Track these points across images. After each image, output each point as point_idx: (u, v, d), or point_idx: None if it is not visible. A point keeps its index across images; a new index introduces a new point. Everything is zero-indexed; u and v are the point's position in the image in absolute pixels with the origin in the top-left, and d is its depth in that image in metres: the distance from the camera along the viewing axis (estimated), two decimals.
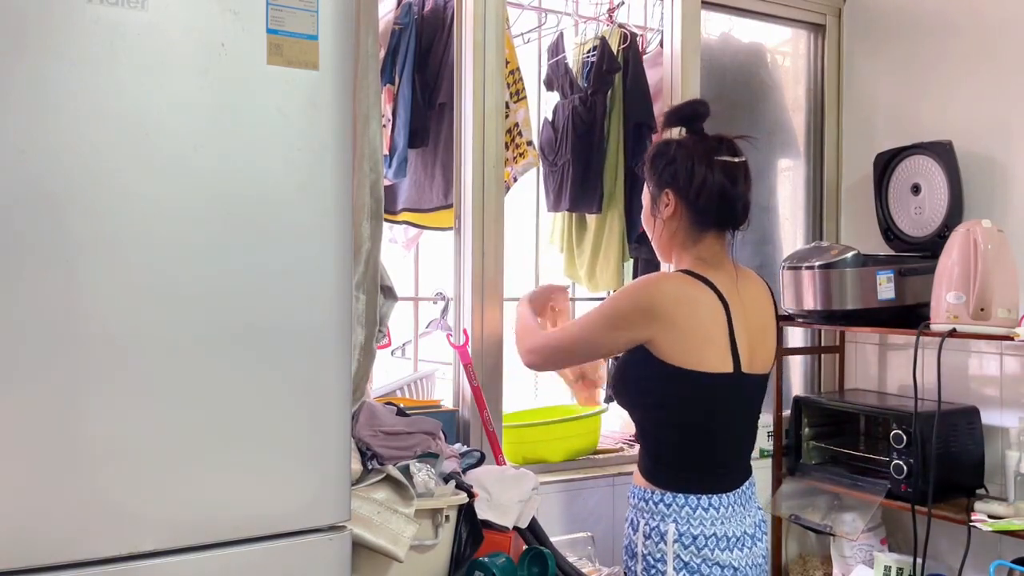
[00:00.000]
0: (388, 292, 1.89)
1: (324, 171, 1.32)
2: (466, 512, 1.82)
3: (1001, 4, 2.66)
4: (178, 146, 1.21)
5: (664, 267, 1.91)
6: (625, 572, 1.83)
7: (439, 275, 2.56)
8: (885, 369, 2.99)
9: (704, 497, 1.74)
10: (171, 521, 1.22)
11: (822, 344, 3.15)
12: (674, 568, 1.72)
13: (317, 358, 1.32)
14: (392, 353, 2.63)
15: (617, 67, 2.67)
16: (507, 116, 2.47)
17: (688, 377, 1.71)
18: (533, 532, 2.01)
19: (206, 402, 1.24)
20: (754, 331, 1.79)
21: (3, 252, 1.11)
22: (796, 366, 3.21)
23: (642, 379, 1.78)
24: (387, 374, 2.61)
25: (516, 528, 1.95)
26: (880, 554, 2.66)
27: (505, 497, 1.94)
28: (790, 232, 3.20)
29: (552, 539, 2.08)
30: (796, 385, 3.20)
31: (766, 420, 2.85)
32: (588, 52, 2.71)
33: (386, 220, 2.04)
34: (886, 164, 2.82)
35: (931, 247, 2.62)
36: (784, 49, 3.21)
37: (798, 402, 2.82)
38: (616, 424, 2.94)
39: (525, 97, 2.54)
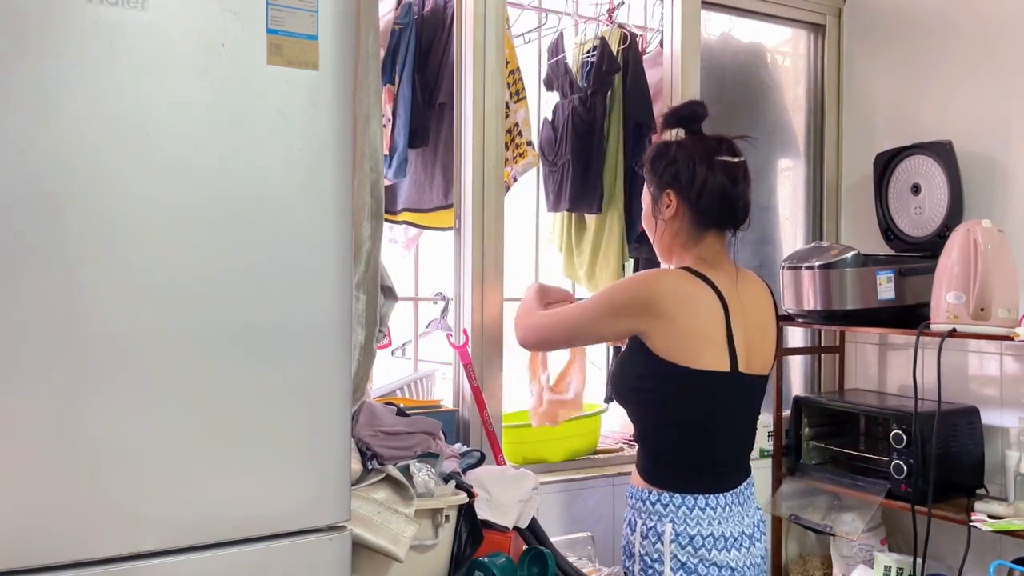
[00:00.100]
0: (388, 292, 1.89)
1: (324, 171, 1.32)
2: (466, 512, 1.82)
3: (1001, 4, 2.66)
4: (178, 146, 1.21)
5: (664, 267, 1.91)
6: (624, 572, 1.83)
7: (439, 275, 2.56)
8: (885, 369, 2.99)
9: (701, 497, 1.74)
10: (171, 521, 1.22)
11: (822, 344, 3.15)
12: (671, 568, 1.72)
13: (317, 358, 1.32)
14: (392, 353, 2.63)
15: (617, 67, 2.67)
16: (507, 116, 2.47)
17: (685, 375, 1.71)
18: (533, 532, 2.01)
19: (206, 402, 1.24)
20: (753, 331, 1.79)
21: (3, 252, 1.11)
22: (796, 366, 3.21)
23: (640, 377, 1.78)
24: (387, 374, 2.61)
25: (516, 528, 1.95)
26: (880, 554, 2.66)
27: (505, 497, 1.94)
28: (790, 232, 3.20)
29: (552, 539, 2.08)
30: (796, 385, 3.20)
31: (766, 420, 2.86)
32: (588, 52, 2.71)
33: (386, 220, 2.04)
34: (886, 164, 2.82)
35: (931, 247, 2.62)
36: (784, 49, 3.21)
37: (798, 402, 2.82)
38: (616, 424, 2.94)
39: (525, 97, 2.54)
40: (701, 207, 1.78)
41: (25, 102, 1.12)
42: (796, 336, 3.14)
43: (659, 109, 2.76)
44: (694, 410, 1.76)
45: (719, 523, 1.74)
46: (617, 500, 2.54)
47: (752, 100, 3.11)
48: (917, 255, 2.67)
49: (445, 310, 2.47)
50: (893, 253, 2.76)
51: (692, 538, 1.72)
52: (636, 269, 2.78)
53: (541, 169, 2.74)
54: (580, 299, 2.16)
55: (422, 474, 1.77)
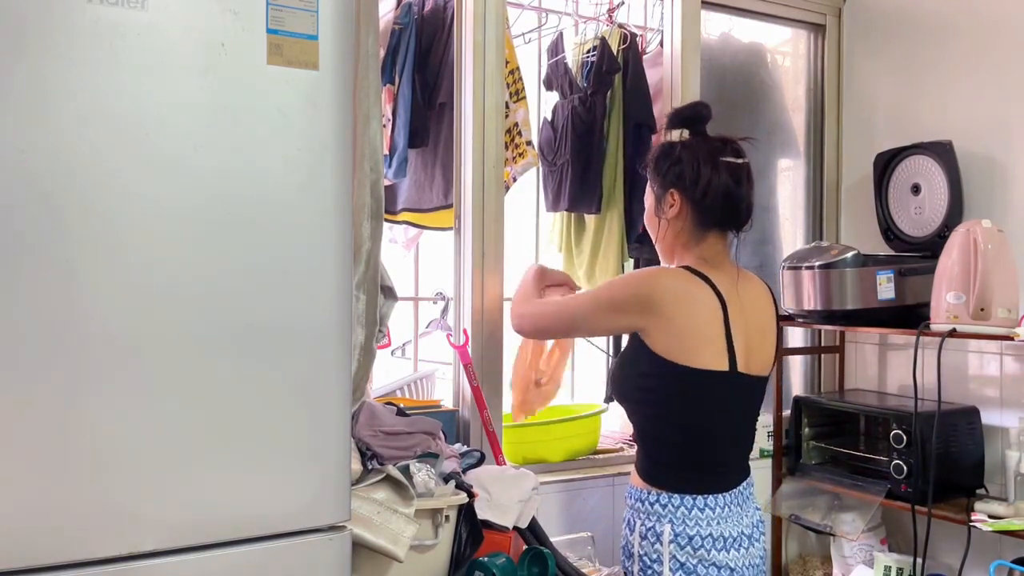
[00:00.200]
0: (388, 292, 1.89)
1: (324, 171, 1.32)
2: (466, 512, 1.82)
3: (1001, 4, 2.66)
4: (178, 146, 1.21)
5: (664, 265, 1.91)
6: (624, 572, 1.83)
7: (439, 275, 2.56)
8: (885, 369, 2.99)
9: (700, 497, 1.74)
10: (171, 521, 1.22)
11: (822, 344, 3.15)
12: (670, 569, 1.72)
13: (317, 358, 1.32)
14: (392, 353, 2.63)
15: (617, 67, 2.67)
16: (507, 116, 2.47)
17: (684, 374, 1.71)
18: (533, 532, 2.01)
19: (206, 402, 1.24)
20: (752, 332, 1.79)
21: (3, 252, 1.11)
22: (796, 366, 3.21)
23: (640, 376, 1.78)
24: (387, 374, 2.61)
25: (516, 528, 1.95)
26: (880, 554, 2.66)
27: (505, 497, 1.94)
28: (790, 232, 3.20)
29: (552, 539, 2.08)
30: (796, 385, 3.20)
31: (766, 420, 2.86)
32: (588, 52, 2.71)
33: (386, 220, 2.04)
34: (886, 164, 2.82)
35: (931, 247, 2.63)
36: (784, 49, 3.21)
37: (798, 402, 2.82)
38: (616, 424, 2.94)
39: (525, 97, 2.54)
40: (704, 207, 1.79)
41: (25, 102, 1.12)
42: (796, 336, 3.14)
43: (659, 109, 2.76)
44: (693, 410, 1.76)
45: (718, 523, 1.74)
46: (617, 500, 2.54)
47: (752, 100, 3.11)
48: (917, 255, 2.67)
49: (445, 310, 2.47)
50: (893, 253, 2.76)
51: (691, 538, 1.72)
52: (636, 269, 2.78)
53: (540, 169, 2.74)
54: (580, 289, 2.17)
55: (422, 474, 1.77)
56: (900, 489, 2.46)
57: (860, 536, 2.66)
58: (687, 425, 1.77)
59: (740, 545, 1.75)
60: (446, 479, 1.85)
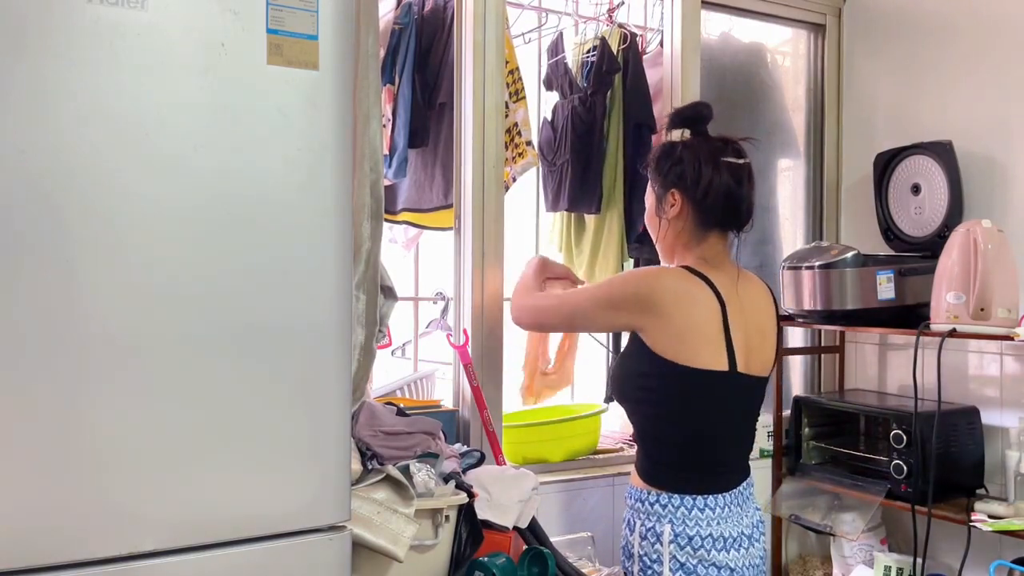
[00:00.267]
0: (388, 292, 1.89)
1: (324, 171, 1.32)
2: (466, 512, 1.82)
3: (1001, 4, 2.66)
4: (178, 146, 1.21)
5: (664, 265, 1.91)
6: (624, 572, 1.83)
7: (439, 275, 2.56)
8: (885, 369, 2.99)
9: (700, 498, 1.74)
10: (171, 521, 1.22)
11: (822, 344, 3.15)
12: (670, 569, 1.72)
13: (317, 358, 1.32)
14: (392, 353, 2.63)
15: (617, 67, 2.67)
16: (506, 116, 2.47)
17: (684, 373, 1.71)
18: (533, 532, 2.01)
19: (206, 402, 1.24)
20: (752, 332, 1.79)
21: (3, 252, 1.11)
22: (796, 366, 3.21)
23: (640, 375, 1.78)
24: (387, 374, 2.61)
25: (516, 528, 1.95)
26: (880, 554, 2.66)
27: (505, 497, 1.94)
28: (790, 232, 3.20)
29: (552, 539, 2.08)
30: (796, 385, 3.20)
31: (766, 420, 2.86)
32: (588, 52, 2.71)
33: (386, 220, 2.04)
34: (886, 164, 2.82)
35: (931, 247, 2.62)
36: (784, 49, 3.21)
37: (798, 402, 2.82)
38: (616, 424, 2.94)
39: (524, 97, 2.54)
40: (706, 207, 1.79)
41: (25, 102, 1.12)
42: (796, 336, 3.14)
43: (659, 109, 2.76)
44: (693, 410, 1.76)
45: (718, 523, 1.74)
46: (617, 500, 2.54)
47: (752, 100, 3.11)
48: (917, 255, 2.67)
49: (445, 310, 2.47)
50: (893, 253, 2.76)
51: (691, 539, 1.72)
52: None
53: (540, 169, 2.74)
54: (583, 282, 2.17)
55: (422, 474, 1.77)
56: (900, 489, 2.46)
57: (860, 536, 2.66)
58: (687, 425, 1.77)
59: (740, 545, 1.75)
60: (446, 479, 1.85)
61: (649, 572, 1.74)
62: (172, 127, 1.21)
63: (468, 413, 2.39)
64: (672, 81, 2.81)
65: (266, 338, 1.28)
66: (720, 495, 1.76)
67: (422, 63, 2.41)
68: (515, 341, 2.61)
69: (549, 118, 2.74)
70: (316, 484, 1.33)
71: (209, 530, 1.25)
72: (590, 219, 2.76)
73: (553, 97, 2.78)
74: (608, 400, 2.73)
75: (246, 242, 1.27)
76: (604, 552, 2.42)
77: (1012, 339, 2.30)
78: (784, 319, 2.65)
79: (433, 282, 2.58)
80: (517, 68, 2.53)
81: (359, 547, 1.57)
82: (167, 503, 1.21)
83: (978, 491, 2.52)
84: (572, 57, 2.75)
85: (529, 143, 2.52)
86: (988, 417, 2.59)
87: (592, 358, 2.88)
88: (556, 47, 2.74)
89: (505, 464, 2.28)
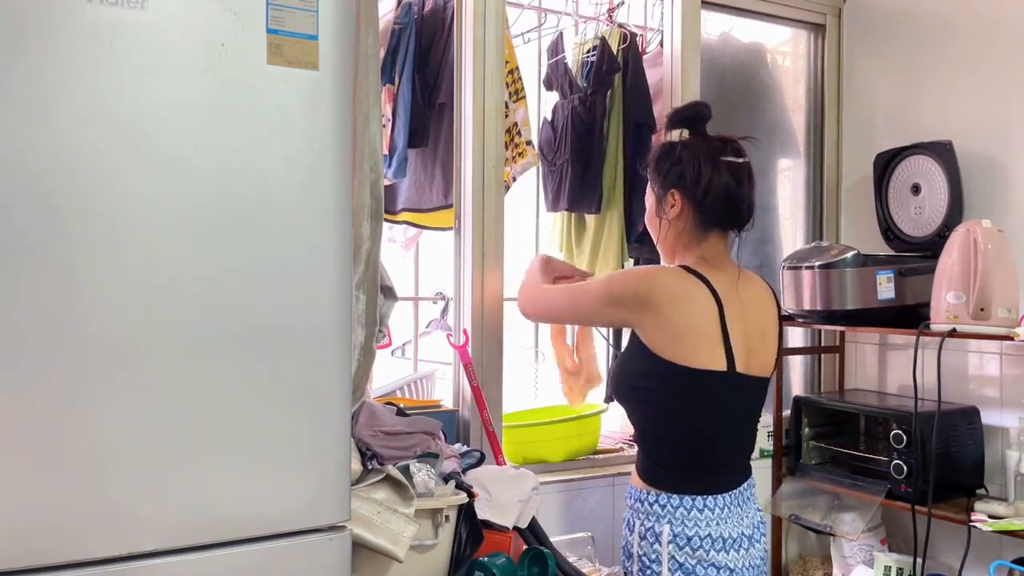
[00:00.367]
0: (388, 292, 1.89)
1: (324, 171, 1.32)
2: (466, 512, 1.82)
3: (1001, 4, 2.66)
4: (178, 146, 1.21)
5: (664, 264, 1.92)
6: (624, 572, 1.83)
7: (439, 275, 2.56)
8: (885, 369, 2.99)
9: (699, 498, 1.74)
10: (171, 521, 1.22)
11: (822, 344, 3.15)
12: (669, 569, 1.72)
13: (317, 358, 1.32)
14: (392, 353, 2.63)
15: (617, 67, 2.67)
16: (506, 116, 2.47)
17: (683, 373, 1.71)
18: (533, 532, 2.01)
19: (206, 402, 1.24)
20: (752, 333, 1.79)
21: (3, 252, 1.11)
22: (796, 366, 3.21)
23: (640, 376, 1.78)
24: (387, 374, 2.61)
25: (516, 528, 1.95)
26: (880, 554, 2.66)
27: (505, 497, 1.94)
28: (790, 232, 3.20)
29: (552, 539, 2.08)
30: (796, 385, 3.20)
31: (766, 420, 2.86)
32: (588, 52, 2.71)
33: (386, 220, 2.04)
34: (886, 164, 2.82)
35: (931, 247, 2.62)
36: (784, 49, 3.21)
37: (798, 402, 2.82)
38: (616, 424, 2.94)
39: (524, 97, 2.54)
40: (705, 207, 1.79)
41: (25, 102, 1.12)
42: (796, 336, 3.14)
43: (659, 109, 2.76)
44: (692, 410, 1.76)
45: (717, 524, 1.74)
46: (617, 500, 2.54)
47: (752, 100, 3.11)
48: (917, 255, 2.67)
49: (445, 310, 2.47)
50: (893, 253, 2.76)
51: (690, 539, 1.72)
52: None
53: (540, 169, 2.74)
54: (585, 274, 2.19)
55: (422, 474, 1.77)
56: (900, 489, 2.46)
57: (860, 536, 2.66)
58: (686, 425, 1.77)
59: (740, 546, 1.75)
60: (446, 479, 1.85)
61: (648, 572, 1.74)
62: (172, 127, 1.21)
63: (468, 413, 2.39)
64: (672, 81, 2.81)
65: (266, 338, 1.28)
66: (720, 495, 1.76)
67: (422, 63, 2.41)
68: (515, 341, 2.62)
69: (549, 118, 2.74)
70: (316, 484, 1.33)
71: (209, 530, 1.25)
72: (590, 219, 2.76)
73: (553, 97, 2.78)
74: (608, 400, 2.73)
75: (246, 242, 1.27)
76: (604, 552, 2.42)
77: (1012, 339, 2.30)
78: (784, 319, 2.66)
79: (433, 282, 2.58)
80: (517, 68, 2.53)
81: (359, 547, 1.57)
82: (167, 503, 1.21)
83: (978, 491, 2.52)
84: (572, 57, 2.75)
85: (529, 143, 2.52)
86: (988, 417, 2.59)
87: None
88: (556, 47, 2.74)
89: (505, 464, 2.28)
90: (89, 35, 1.15)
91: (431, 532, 1.77)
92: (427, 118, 2.41)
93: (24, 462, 1.13)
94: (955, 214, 2.64)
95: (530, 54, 2.83)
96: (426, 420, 1.99)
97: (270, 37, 1.27)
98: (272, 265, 1.29)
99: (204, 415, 1.24)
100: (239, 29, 1.25)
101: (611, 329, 2.69)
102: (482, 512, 1.88)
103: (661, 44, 2.87)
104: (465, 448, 2.15)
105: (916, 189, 2.74)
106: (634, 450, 2.57)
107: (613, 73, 2.67)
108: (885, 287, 2.53)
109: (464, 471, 1.97)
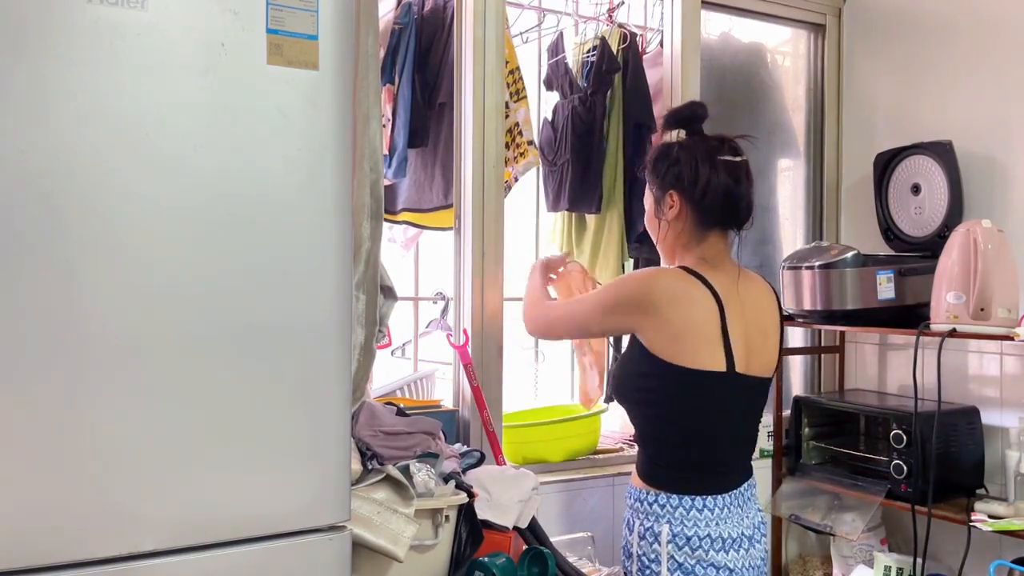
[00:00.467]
0: (388, 292, 1.89)
1: (324, 171, 1.32)
2: (466, 512, 1.82)
3: (1001, 4, 2.66)
4: (178, 146, 1.21)
5: (664, 266, 1.92)
6: (624, 572, 1.83)
7: (439, 275, 2.56)
8: (885, 369, 2.99)
9: (699, 498, 1.74)
10: (171, 521, 1.22)
11: (822, 344, 3.15)
12: (668, 569, 1.72)
13: (317, 358, 1.32)
14: (392, 353, 2.63)
15: (617, 67, 2.67)
16: (507, 116, 2.47)
17: (683, 374, 1.71)
18: (533, 532, 2.01)
19: (206, 402, 1.24)
20: (753, 333, 1.79)
21: (3, 252, 1.11)
22: (796, 366, 3.21)
23: (640, 376, 1.78)
24: (387, 374, 2.61)
25: (516, 528, 1.95)
26: (880, 554, 2.66)
27: (505, 497, 1.94)
28: (790, 232, 3.20)
29: (552, 539, 2.08)
30: (796, 385, 3.20)
31: (766, 420, 2.86)
32: (588, 52, 2.71)
33: (386, 220, 2.04)
34: (886, 164, 2.82)
35: (931, 247, 2.62)
36: (784, 49, 3.21)
37: (798, 402, 2.82)
38: (616, 424, 2.94)
39: (525, 96, 2.54)
40: (704, 207, 1.78)
41: (25, 102, 1.12)
42: (796, 336, 3.14)
43: (659, 109, 2.76)
44: (692, 410, 1.76)
45: (716, 524, 1.74)
46: (617, 500, 2.54)
47: (752, 100, 3.11)
48: (917, 255, 2.67)
49: (445, 310, 2.47)
50: (893, 253, 2.75)
51: (689, 539, 1.72)
52: (636, 269, 2.79)
53: (541, 169, 2.74)
54: (594, 283, 2.21)
55: (422, 474, 1.77)
56: (900, 489, 2.46)
57: (860, 536, 2.66)
58: (686, 426, 1.77)
59: (740, 546, 1.75)
60: (446, 479, 1.85)
61: (647, 572, 1.74)
62: (172, 127, 1.21)
63: (468, 413, 2.39)
64: (672, 81, 2.81)
65: (266, 338, 1.28)
66: (720, 496, 1.75)
67: (422, 63, 2.41)
68: (515, 341, 2.61)
69: (550, 118, 2.75)
70: (316, 484, 1.33)
71: (209, 530, 1.25)
72: (591, 219, 2.76)
73: (553, 97, 2.78)
74: (608, 400, 2.73)
75: (246, 242, 1.27)
76: (604, 552, 2.42)
77: (1012, 339, 2.30)
78: (784, 319, 2.65)
79: (433, 282, 2.58)
80: (518, 68, 2.53)
81: (359, 547, 1.57)
82: (167, 503, 1.21)
83: (978, 491, 2.52)
84: (572, 57, 2.75)
85: (530, 143, 2.52)
86: (988, 417, 2.59)
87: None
88: (556, 47, 2.74)
89: (505, 464, 2.28)
90: (89, 35, 1.15)
91: (431, 532, 1.77)
92: (427, 118, 2.41)
93: (24, 462, 1.13)
94: (955, 214, 2.64)
95: (530, 54, 2.83)
96: (426, 420, 1.99)
97: (270, 37, 1.27)
98: (272, 265, 1.29)
99: (204, 415, 1.24)
100: (239, 29, 1.25)
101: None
102: (482, 512, 1.88)
103: (661, 44, 2.87)
104: (465, 448, 2.15)
105: (916, 189, 2.74)
106: (634, 450, 2.57)
107: (613, 73, 2.67)
108: (885, 287, 2.53)
109: (464, 471, 1.97)
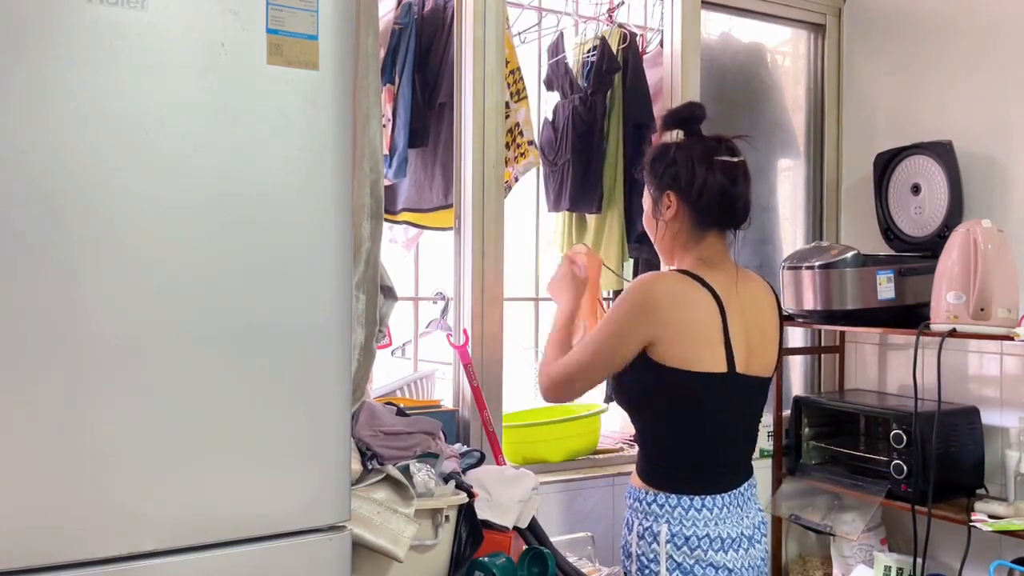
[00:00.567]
0: (388, 292, 1.89)
1: (324, 171, 1.32)
2: (466, 512, 1.82)
3: (1001, 4, 2.66)
4: (178, 146, 1.21)
5: (664, 268, 1.91)
6: (623, 572, 1.83)
7: (439, 275, 2.56)
8: (885, 369, 2.99)
9: (698, 498, 1.74)
10: (171, 521, 1.22)
11: (822, 344, 3.15)
12: (667, 569, 1.72)
13: (317, 358, 1.32)
14: (392, 353, 2.63)
15: (617, 67, 2.67)
16: (508, 116, 2.47)
17: (682, 376, 1.71)
18: (533, 532, 2.01)
19: (206, 402, 1.24)
20: (752, 333, 1.79)
21: (3, 252, 1.11)
22: (796, 366, 3.21)
23: (638, 378, 1.78)
24: (387, 374, 2.61)
25: (516, 528, 1.95)
26: (880, 554, 2.66)
27: (505, 497, 1.94)
28: (790, 232, 3.20)
29: (552, 539, 2.08)
30: (796, 385, 3.20)
31: (766, 420, 2.86)
32: (588, 52, 2.71)
33: (386, 220, 2.03)
34: (886, 164, 2.82)
35: (931, 247, 2.63)
36: (784, 49, 3.21)
37: (798, 402, 2.82)
38: (616, 424, 2.94)
39: (526, 97, 2.54)
40: (701, 207, 1.78)
41: (25, 102, 1.12)
42: (796, 336, 3.14)
43: (659, 109, 2.76)
44: (691, 411, 1.75)
45: (716, 524, 1.73)
46: (617, 500, 2.54)
47: (752, 100, 3.11)
48: (917, 255, 2.67)
49: (445, 310, 2.47)
50: (893, 253, 2.76)
51: (688, 539, 1.72)
52: (636, 269, 2.79)
53: (541, 169, 2.74)
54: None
55: (422, 474, 1.77)
56: (900, 489, 2.46)
57: (860, 536, 2.66)
58: (686, 426, 1.76)
59: (739, 546, 1.75)
60: (446, 479, 1.85)
61: (647, 572, 1.74)
62: (172, 127, 1.21)
63: (468, 413, 2.39)
64: (672, 81, 2.81)
65: (266, 338, 1.28)
66: (719, 495, 1.75)
67: (422, 63, 2.41)
68: (515, 341, 2.62)
69: (550, 118, 2.75)
70: (316, 484, 1.33)
71: (209, 530, 1.25)
72: (591, 219, 2.76)
73: (554, 97, 2.78)
74: (608, 400, 2.73)
75: (246, 242, 1.27)
76: (604, 552, 2.42)
77: (1012, 339, 2.30)
78: (784, 319, 2.65)
79: (433, 282, 2.58)
80: (518, 68, 2.53)
81: (359, 547, 1.57)
82: (167, 503, 1.21)
83: (978, 491, 2.52)
84: (572, 57, 2.75)
85: (531, 143, 2.52)
86: (988, 417, 2.59)
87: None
88: (556, 47, 2.74)
89: (505, 464, 2.28)
90: (89, 35, 1.15)
91: (431, 532, 1.77)
92: (427, 118, 2.41)
93: (24, 462, 1.13)
94: (955, 214, 2.64)
95: (530, 54, 2.84)
96: (426, 420, 1.99)
97: (270, 37, 1.27)
98: (272, 265, 1.29)
99: (204, 415, 1.24)
100: (239, 29, 1.25)
101: None
102: (482, 512, 1.88)
103: (661, 44, 2.87)
104: (465, 448, 2.15)
105: (916, 189, 2.74)
106: (634, 450, 2.57)
107: (613, 73, 2.67)
108: (885, 287, 2.53)
109: (464, 471, 1.97)
